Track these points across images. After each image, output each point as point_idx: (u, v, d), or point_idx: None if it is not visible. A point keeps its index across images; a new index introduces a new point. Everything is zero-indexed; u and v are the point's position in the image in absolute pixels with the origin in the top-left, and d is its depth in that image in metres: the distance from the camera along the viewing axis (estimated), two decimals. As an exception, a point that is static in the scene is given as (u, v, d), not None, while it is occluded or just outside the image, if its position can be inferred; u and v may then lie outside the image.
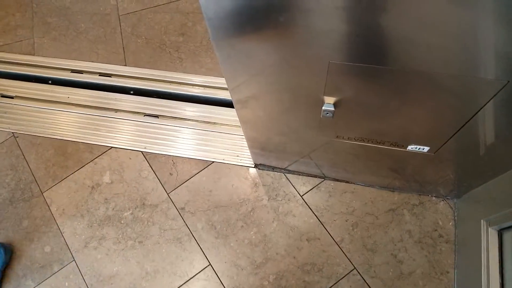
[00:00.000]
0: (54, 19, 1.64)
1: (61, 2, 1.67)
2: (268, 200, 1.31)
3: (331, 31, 0.60)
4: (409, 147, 0.93)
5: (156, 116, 1.45)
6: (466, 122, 0.78)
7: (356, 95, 0.76)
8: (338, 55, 0.65)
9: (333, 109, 0.79)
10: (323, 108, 0.80)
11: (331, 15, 0.56)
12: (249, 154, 1.35)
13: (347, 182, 1.29)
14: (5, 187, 1.42)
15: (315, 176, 1.31)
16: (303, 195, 1.30)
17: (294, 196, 1.30)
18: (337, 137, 0.96)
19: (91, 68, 1.53)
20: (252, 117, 0.99)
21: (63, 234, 1.35)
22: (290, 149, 1.17)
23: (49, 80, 1.53)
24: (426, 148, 0.92)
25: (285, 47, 0.67)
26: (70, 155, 1.44)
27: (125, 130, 1.44)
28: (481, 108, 0.72)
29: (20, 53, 1.58)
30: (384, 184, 1.26)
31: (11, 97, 1.52)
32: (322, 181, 1.31)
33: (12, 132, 1.48)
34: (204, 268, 1.26)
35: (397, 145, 0.94)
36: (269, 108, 0.92)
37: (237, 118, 1.40)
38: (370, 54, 0.63)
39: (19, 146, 1.47)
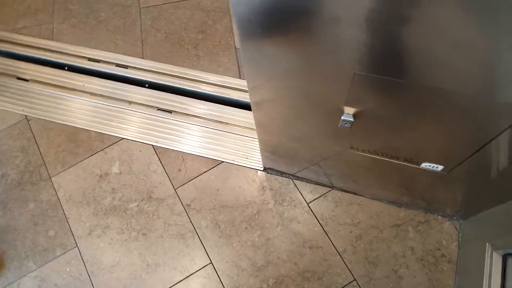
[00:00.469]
0: (75, 6, 1.64)
1: (83, -11, 1.68)
2: (274, 204, 1.31)
3: (359, 41, 0.59)
4: (423, 165, 0.93)
5: (169, 111, 1.46)
6: (485, 145, 0.78)
7: (377, 107, 0.76)
8: (363, 66, 0.65)
9: (352, 119, 0.79)
10: (342, 117, 0.79)
11: (360, 26, 0.56)
12: (259, 156, 1.35)
13: (354, 193, 1.29)
14: (14, 168, 1.43)
15: (323, 185, 1.31)
16: (309, 202, 1.30)
17: (300, 203, 1.30)
18: (351, 148, 0.96)
19: (109, 58, 1.53)
20: (268, 119, 0.99)
21: (68, 220, 1.36)
22: (301, 156, 1.17)
23: (66, 67, 1.53)
24: (440, 167, 0.92)
25: (311, 54, 0.67)
26: (81, 143, 1.44)
27: (137, 122, 1.45)
28: (501, 133, 0.72)
29: (38, 37, 1.59)
30: (391, 199, 1.26)
31: (27, 80, 1.52)
32: (330, 191, 1.31)
33: (25, 115, 1.49)
34: (205, 266, 1.26)
35: (411, 162, 0.94)
36: (286, 112, 0.92)
37: (250, 120, 1.41)
38: (395, 67, 0.63)
39: (31, 129, 1.47)
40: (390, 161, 0.96)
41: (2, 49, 1.56)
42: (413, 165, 0.95)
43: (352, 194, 1.30)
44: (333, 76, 0.70)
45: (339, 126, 0.82)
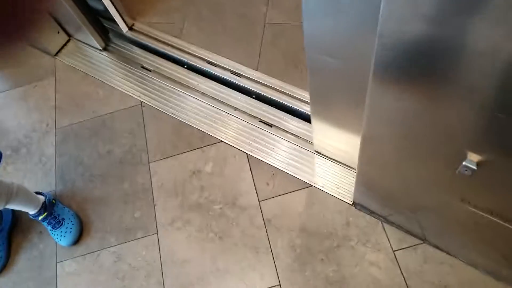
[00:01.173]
0: (207, 13, 1.88)
1: (216, -2, 1.91)
2: (357, 242, 1.34)
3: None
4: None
5: (270, 125, 1.58)
6: None
7: (508, 160, 0.74)
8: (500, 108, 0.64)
9: (474, 167, 0.78)
10: (463, 163, 0.79)
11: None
12: (351, 188, 1.39)
13: (448, 253, 1.27)
14: (120, 147, 1.65)
15: (415, 236, 1.31)
16: (395, 250, 1.31)
17: (385, 249, 1.31)
18: (461, 200, 0.96)
19: (225, 65, 1.72)
20: (375, 154, 1.04)
21: (155, 206, 1.53)
22: (398, 198, 1.19)
23: (185, 65, 1.76)
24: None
25: (446, 98, 0.69)
26: (183, 137, 1.62)
27: (238, 129, 1.59)
28: None
29: (168, 34, 1.84)
30: (489, 268, 1.21)
31: (149, 70, 1.77)
32: (421, 243, 1.30)
33: (141, 101, 1.72)
34: (272, 287, 1.32)
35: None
36: (399, 149, 0.95)
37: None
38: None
39: (143, 115, 1.70)
40: (500, 224, 0.94)
41: (136, 39, 1.84)
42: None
43: (445, 253, 1.27)
44: (468, 118, 0.70)
45: (457, 172, 0.82)
